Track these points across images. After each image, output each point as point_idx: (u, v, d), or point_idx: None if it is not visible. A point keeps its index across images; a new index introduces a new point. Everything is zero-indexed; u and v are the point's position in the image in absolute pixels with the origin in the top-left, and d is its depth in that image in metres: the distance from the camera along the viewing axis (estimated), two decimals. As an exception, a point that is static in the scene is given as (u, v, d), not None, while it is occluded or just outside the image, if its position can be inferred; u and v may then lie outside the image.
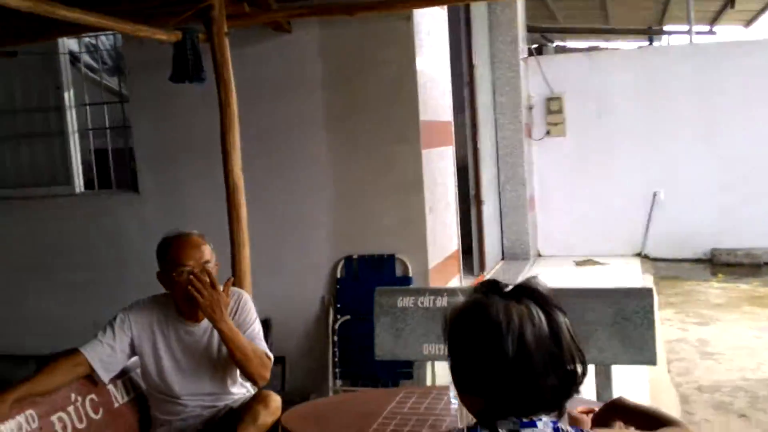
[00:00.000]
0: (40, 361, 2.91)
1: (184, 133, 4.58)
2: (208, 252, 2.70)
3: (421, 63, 4.33)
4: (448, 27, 5.14)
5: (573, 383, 1.31)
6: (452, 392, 2.42)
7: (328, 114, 4.43)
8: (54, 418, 2.48)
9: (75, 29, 3.66)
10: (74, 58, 5.10)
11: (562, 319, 1.31)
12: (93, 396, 2.66)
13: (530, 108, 8.17)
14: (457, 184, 5.23)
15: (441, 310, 3.19)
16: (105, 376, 2.64)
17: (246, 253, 3.61)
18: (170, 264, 2.65)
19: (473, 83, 6.72)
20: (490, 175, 7.39)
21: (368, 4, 3.99)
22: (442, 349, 3.09)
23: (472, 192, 6.83)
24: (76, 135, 5.04)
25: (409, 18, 4.21)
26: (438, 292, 3.36)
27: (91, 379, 2.64)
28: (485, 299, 1.31)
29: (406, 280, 4.31)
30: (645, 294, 3.11)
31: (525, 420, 1.29)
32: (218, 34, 3.46)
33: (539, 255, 8.38)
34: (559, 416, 1.34)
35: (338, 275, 4.45)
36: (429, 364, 3.52)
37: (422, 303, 3.28)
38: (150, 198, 4.80)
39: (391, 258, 4.35)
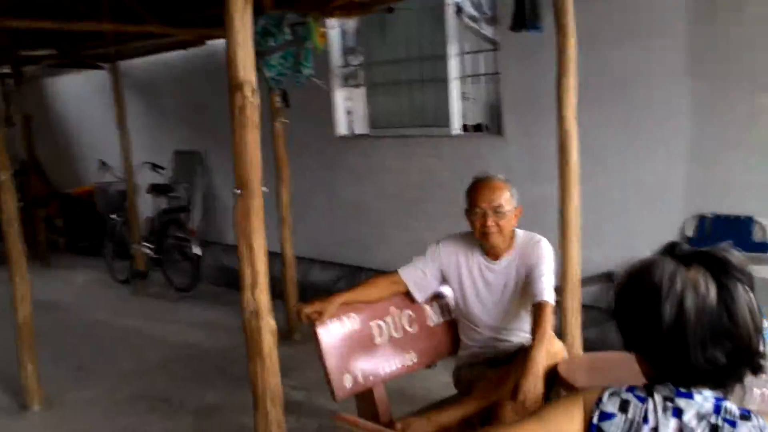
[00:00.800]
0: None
1: (544, 82, 4.67)
2: (505, 197, 2.85)
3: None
4: None
5: (745, 362, 1.22)
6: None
7: (692, 57, 4.06)
8: (372, 323, 2.96)
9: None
10: (458, 10, 5.53)
11: (742, 293, 1.21)
12: (410, 312, 3.09)
13: None
14: None
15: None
16: (419, 296, 3.05)
17: (574, 199, 3.63)
18: (469, 203, 2.92)
19: None
20: None
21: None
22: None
23: None
24: (456, 81, 5.52)
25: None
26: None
27: (410, 297, 3.06)
28: (657, 261, 1.27)
29: (765, 246, 3.82)
30: None
31: (682, 390, 1.25)
32: (559, -18, 3.47)
33: None
34: (727, 394, 1.25)
35: (689, 234, 4.15)
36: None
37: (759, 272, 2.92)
38: (513, 141, 5.08)
39: (749, 220, 3.89)
